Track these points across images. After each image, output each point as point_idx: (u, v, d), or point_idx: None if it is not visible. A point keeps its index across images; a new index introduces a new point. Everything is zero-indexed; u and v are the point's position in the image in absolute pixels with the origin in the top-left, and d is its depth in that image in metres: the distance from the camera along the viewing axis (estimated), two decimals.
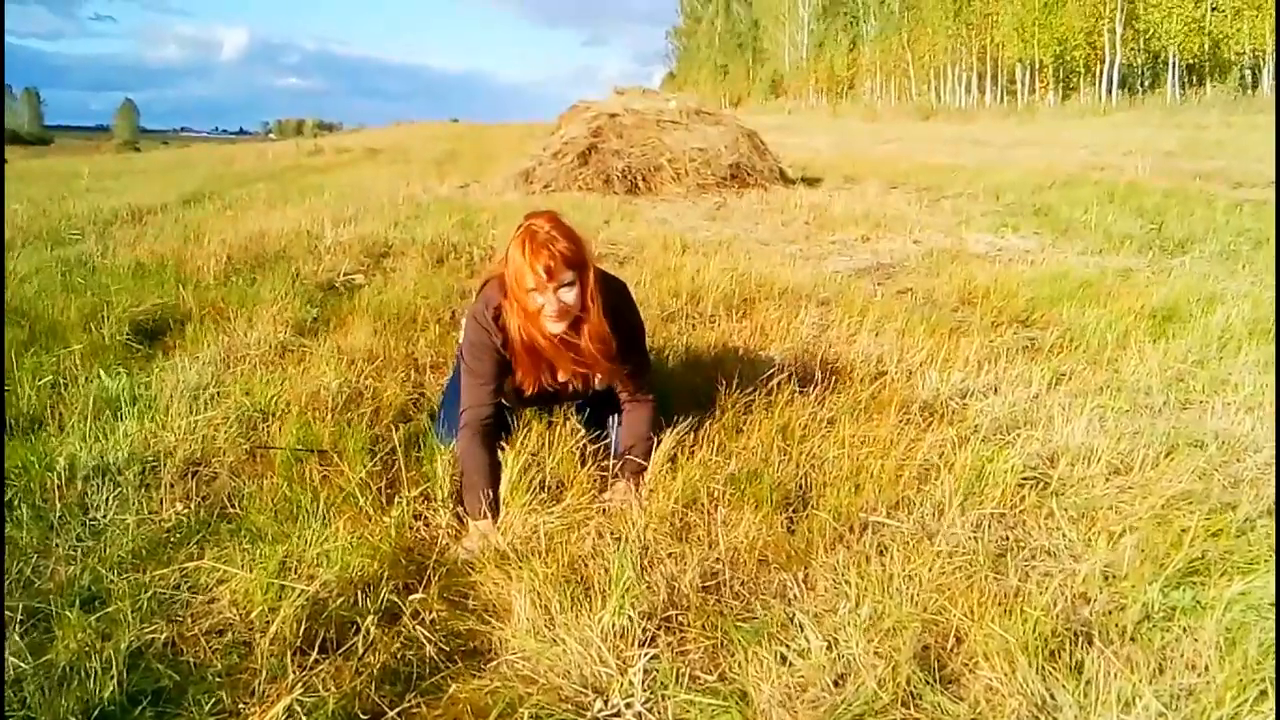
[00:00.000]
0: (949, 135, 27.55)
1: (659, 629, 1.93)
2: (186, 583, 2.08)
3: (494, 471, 2.49)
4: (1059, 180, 11.46)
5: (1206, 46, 39.86)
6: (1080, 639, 1.85)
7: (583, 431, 2.79)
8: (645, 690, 1.72)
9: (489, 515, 2.41)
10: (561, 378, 2.63)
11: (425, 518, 2.42)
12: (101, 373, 3.35)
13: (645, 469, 2.61)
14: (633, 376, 2.66)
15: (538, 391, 2.65)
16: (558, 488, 2.53)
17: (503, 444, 2.58)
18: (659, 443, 2.64)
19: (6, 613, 1.90)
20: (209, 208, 9.22)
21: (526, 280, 2.36)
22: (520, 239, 2.39)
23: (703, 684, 1.75)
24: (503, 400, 2.64)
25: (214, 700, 1.69)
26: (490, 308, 2.51)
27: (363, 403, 3.17)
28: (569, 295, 2.40)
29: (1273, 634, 1.82)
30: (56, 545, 2.22)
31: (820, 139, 24.22)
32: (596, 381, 2.64)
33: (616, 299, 2.59)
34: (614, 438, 2.77)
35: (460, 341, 2.71)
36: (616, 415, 2.77)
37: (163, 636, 1.87)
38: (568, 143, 11.75)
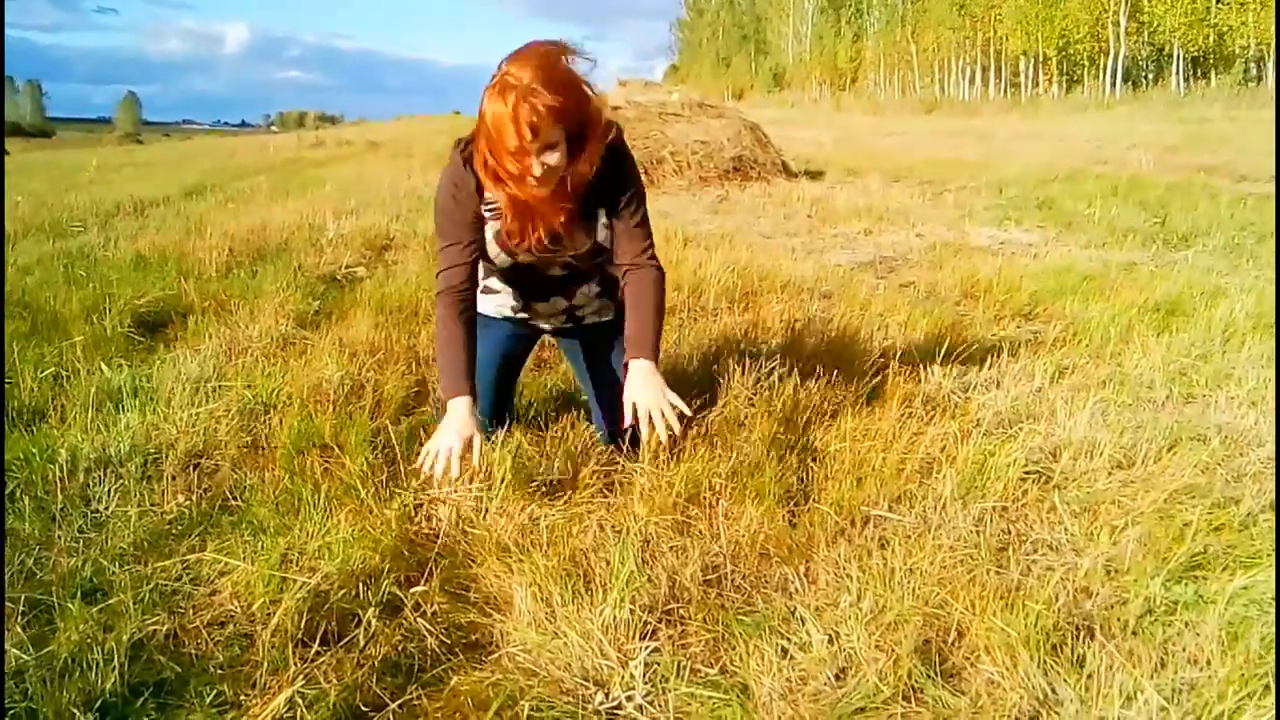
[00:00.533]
0: (952, 129, 27.52)
1: (660, 622, 1.93)
2: (188, 575, 2.08)
3: (472, 343, 2.29)
4: (1062, 174, 11.44)
5: (1211, 39, 39.74)
6: (1082, 633, 1.85)
7: (589, 429, 2.75)
8: (646, 683, 1.72)
9: (466, 392, 2.23)
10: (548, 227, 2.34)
11: (426, 510, 2.42)
12: (103, 365, 3.35)
13: (657, 348, 2.39)
14: (633, 237, 2.41)
15: (532, 249, 2.37)
16: (557, 485, 2.53)
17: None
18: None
19: (9, 604, 1.91)
20: (210, 200, 9.22)
21: (508, 138, 2.01)
22: (498, 88, 2.01)
23: (704, 677, 1.75)
24: (490, 261, 2.42)
25: (215, 692, 1.69)
26: (463, 155, 2.23)
27: (364, 395, 3.16)
28: (552, 157, 2.07)
29: (1275, 628, 1.82)
30: (58, 537, 2.22)
31: (823, 132, 24.18)
32: (600, 234, 2.40)
33: (623, 160, 2.35)
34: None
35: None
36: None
37: (164, 628, 1.87)
38: None
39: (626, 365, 2.35)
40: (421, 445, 2.69)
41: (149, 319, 4.19)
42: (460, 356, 2.25)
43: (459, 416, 2.23)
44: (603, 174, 2.28)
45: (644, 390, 2.26)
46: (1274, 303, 4.52)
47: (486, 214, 2.32)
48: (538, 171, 2.06)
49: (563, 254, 2.43)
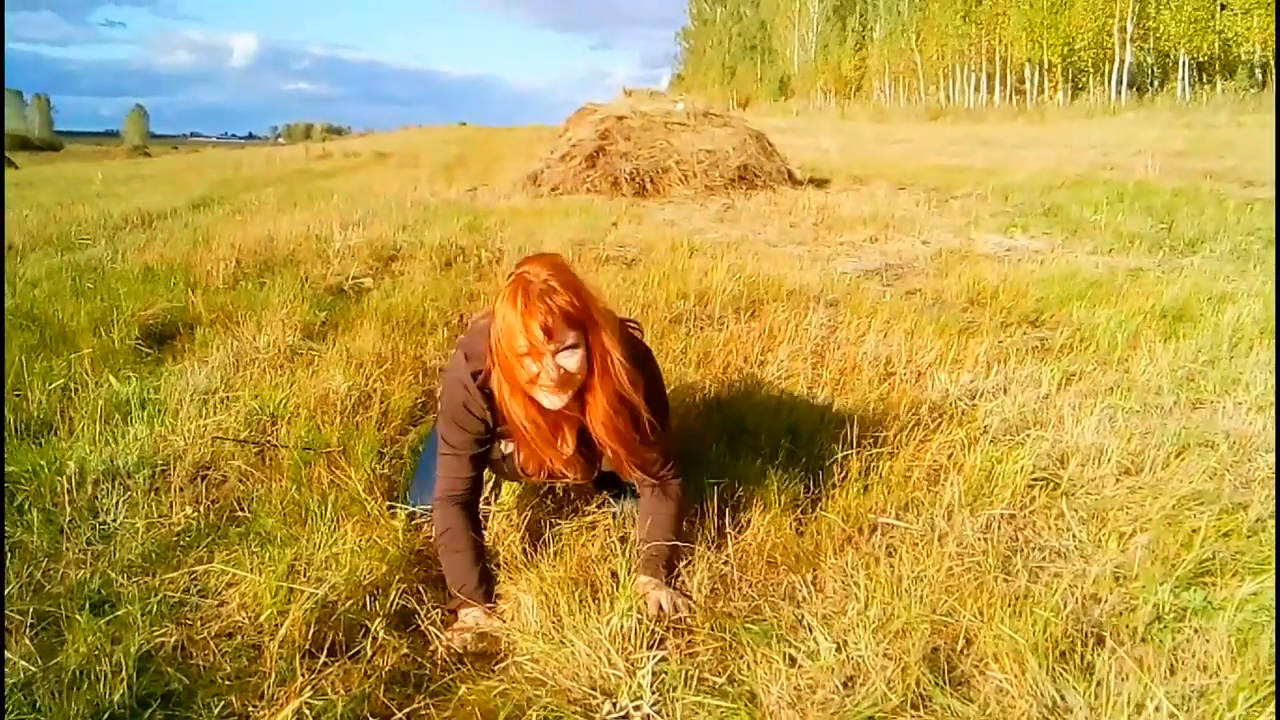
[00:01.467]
0: (957, 136, 27.49)
1: (667, 631, 1.93)
2: (196, 586, 2.09)
3: (480, 546, 2.12)
4: (1068, 180, 11.43)
5: (1216, 46, 39.69)
6: (1091, 640, 1.84)
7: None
8: (654, 692, 1.72)
9: (481, 599, 2.03)
10: (560, 465, 2.16)
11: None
12: (111, 377, 3.36)
13: (673, 562, 2.14)
14: (652, 459, 2.16)
15: (535, 474, 2.23)
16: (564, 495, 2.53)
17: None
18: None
19: (17, 616, 1.91)
20: (218, 212, 9.26)
21: (518, 342, 1.89)
22: (511, 290, 1.91)
23: (711, 686, 1.75)
24: (489, 469, 2.27)
25: (223, 704, 1.69)
26: (473, 363, 2.06)
27: (371, 406, 3.17)
28: (571, 360, 1.92)
29: None
30: (66, 549, 2.22)
31: (828, 140, 24.17)
32: (604, 462, 2.21)
33: (640, 369, 2.07)
34: (624, 509, 2.42)
35: (437, 395, 2.24)
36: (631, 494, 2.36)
37: (172, 640, 1.87)
38: (575, 145, 11.76)
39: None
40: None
41: (156, 331, 4.21)
42: (474, 562, 2.07)
43: (480, 622, 2.01)
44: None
45: (654, 590, 2.07)
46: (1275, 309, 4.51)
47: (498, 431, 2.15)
48: (553, 374, 1.91)
49: (577, 480, 2.31)
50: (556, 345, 1.89)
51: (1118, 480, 2.61)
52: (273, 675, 1.76)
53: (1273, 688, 1.66)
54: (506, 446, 2.20)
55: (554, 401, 1.97)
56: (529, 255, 2.01)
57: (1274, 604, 1.93)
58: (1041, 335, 4.34)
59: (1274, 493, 2.51)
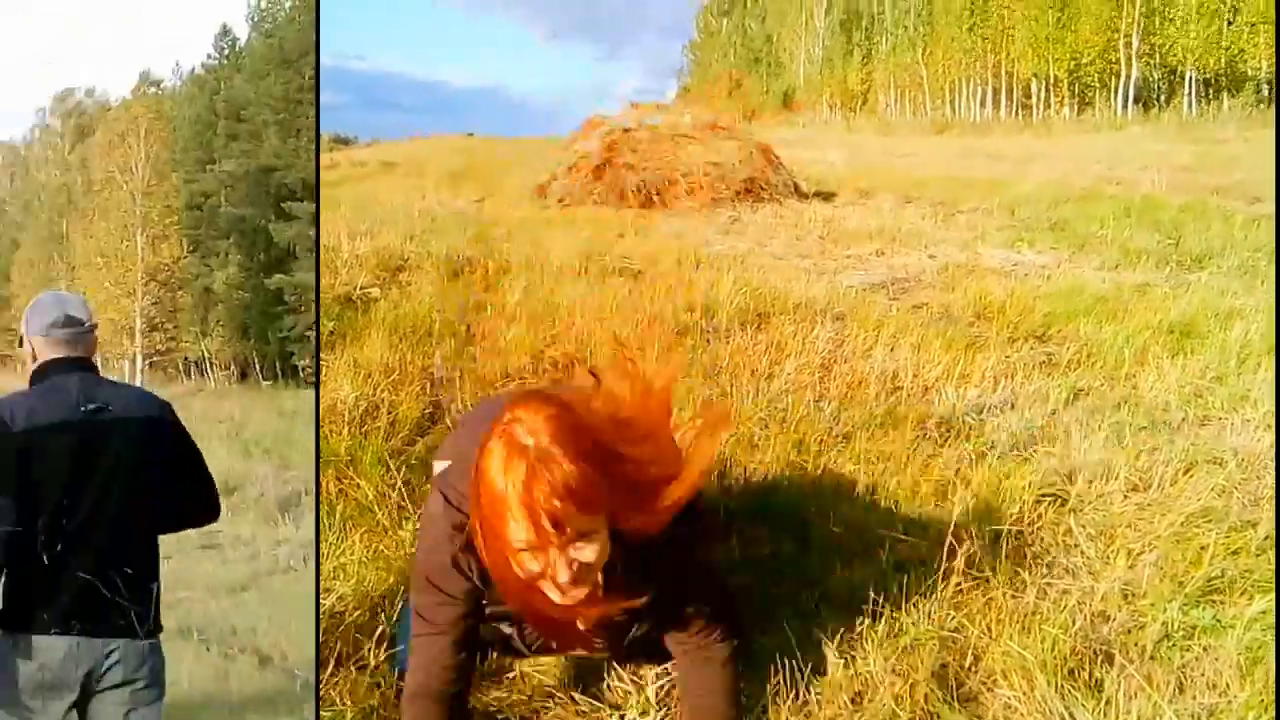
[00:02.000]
0: (963, 149, 27.48)
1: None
2: None
3: None
4: (1075, 194, 11.43)
5: (1223, 61, 39.73)
6: (1099, 657, 1.84)
7: None
8: (661, 706, 1.72)
9: None
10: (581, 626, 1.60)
11: None
12: None
13: None
14: (693, 623, 1.62)
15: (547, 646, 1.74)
16: None
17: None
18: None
19: None
20: None
21: (514, 534, 1.36)
22: (501, 456, 1.36)
23: None
24: (488, 645, 1.76)
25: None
26: (458, 513, 1.53)
27: (379, 416, 3.18)
28: (588, 550, 1.39)
29: None
30: None
31: (834, 153, 24.18)
32: (636, 628, 1.64)
33: (687, 565, 1.62)
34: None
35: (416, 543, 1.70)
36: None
37: None
38: (583, 157, 11.79)
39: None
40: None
41: None
42: None
43: None
44: (660, 555, 1.54)
45: None
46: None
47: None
48: (564, 577, 1.39)
49: (603, 653, 1.80)
50: (568, 538, 1.36)
51: (1126, 497, 2.60)
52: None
53: None
54: (507, 627, 1.70)
55: (566, 599, 1.44)
56: (516, 394, 1.52)
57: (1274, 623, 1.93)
58: (1048, 350, 4.34)
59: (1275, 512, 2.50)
